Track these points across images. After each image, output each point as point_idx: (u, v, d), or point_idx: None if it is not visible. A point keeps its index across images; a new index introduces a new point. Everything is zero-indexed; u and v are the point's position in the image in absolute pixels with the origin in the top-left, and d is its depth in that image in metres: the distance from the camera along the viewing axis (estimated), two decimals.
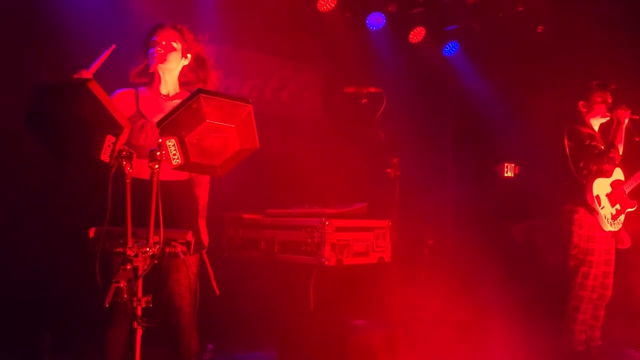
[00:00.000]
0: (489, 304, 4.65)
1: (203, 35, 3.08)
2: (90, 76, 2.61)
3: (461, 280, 5.00)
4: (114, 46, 2.73)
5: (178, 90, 3.00)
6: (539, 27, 5.87)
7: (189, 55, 2.98)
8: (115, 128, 2.00)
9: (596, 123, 4.34)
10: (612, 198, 4.19)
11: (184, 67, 3.00)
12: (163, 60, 2.87)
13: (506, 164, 6.35)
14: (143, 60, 2.95)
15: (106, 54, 2.68)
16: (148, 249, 2.09)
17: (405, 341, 4.08)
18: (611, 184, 4.24)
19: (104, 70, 2.90)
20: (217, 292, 2.96)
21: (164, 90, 2.96)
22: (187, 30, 2.98)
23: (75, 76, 2.55)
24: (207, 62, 3.06)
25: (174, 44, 2.91)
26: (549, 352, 4.24)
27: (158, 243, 2.11)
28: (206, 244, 3.11)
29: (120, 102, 2.85)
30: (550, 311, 4.48)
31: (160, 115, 2.11)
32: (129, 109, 2.86)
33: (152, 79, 2.96)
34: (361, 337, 4.06)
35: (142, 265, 2.07)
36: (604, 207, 4.14)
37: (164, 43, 2.88)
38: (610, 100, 4.28)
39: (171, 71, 2.95)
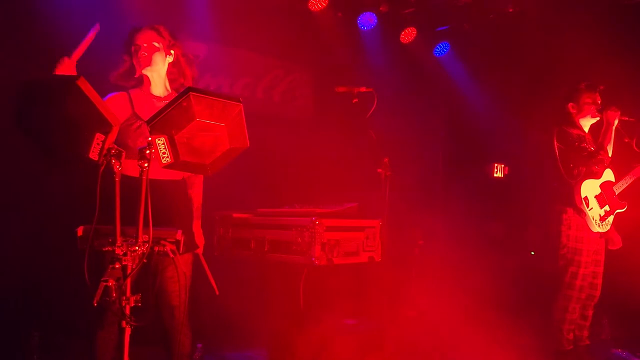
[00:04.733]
0: (479, 304, 4.66)
1: (190, 33, 3.09)
2: (74, 63, 2.59)
3: (451, 280, 5.02)
4: (97, 27, 2.70)
5: (169, 90, 3.01)
6: (535, 31, 5.85)
7: (172, 52, 2.99)
8: (104, 126, 1.98)
9: (586, 124, 4.36)
10: (601, 199, 4.22)
11: (169, 64, 3.00)
12: (149, 62, 2.88)
13: (496, 165, 6.37)
14: (125, 63, 2.94)
15: (90, 37, 2.66)
16: (137, 248, 2.08)
17: (395, 340, 4.09)
18: (601, 185, 4.26)
19: (96, 71, 2.89)
20: (217, 292, 2.96)
21: (155, 91, 2.97)
22: (164, 29, 2.98)
23: (57, 65, 2.54)
24: (185, 58, 3.06)
25: (156, 44, 2.91)
26: (537, 351, 4.26)
27: (147, 242, 2.09)
28: (202, 246, 3.10)
29: (114, 105, 2.84)
30: (539, 310, 4.51)
31: None
32: (125, 112, 2.86)
33: (141, 81, 2.96)
34: (351, 336, 4.07)
35: (131, 264, 2.06)
36: (592, 208, 4.16)
37: (145, 45, 2.88)
38: (599, 101, 4.30)
39: (159, 71, 2.96)
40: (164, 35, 2.96)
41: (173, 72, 3.03)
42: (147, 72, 2.92)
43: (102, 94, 2.81)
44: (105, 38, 3.99)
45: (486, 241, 5.98)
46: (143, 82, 2.96)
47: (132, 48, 2.90)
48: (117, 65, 2.97)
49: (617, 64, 4.93)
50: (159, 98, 2.95)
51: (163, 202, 2.68)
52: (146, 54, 2.87)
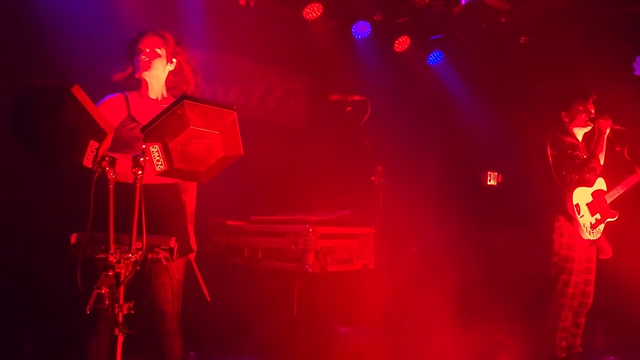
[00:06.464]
0: (472, 311, 4.67)
1: (185, 40, 3.09)
2: None
3: (444, 287, 5.02)
4: None
5: (166, 95, 3.02)
6: (522, 38, 5.95)
7: (174, 60, 3.00)
8: (98, 133, 1.98)
9: (579, 132, 4.39)
10: (592, 207, 4.24)
11: (170, 72, 3.01)
12: (148, 67, 2.89)
13: (489, 172, 6.40)
14: (128, 66, 2.96)
15: None
16: (130, 255, 2.07)
17: (389, 348, 4.09)
18: (592, 194, 4.29)
19: (91, 76, 2.89)
20: (209, 299, 2.95)
21: (152, 95, 2.98)
22: (170, 36, 2.99)
23: None
24: (190, 66, 3.07)
25: (158, 51, 2.92)
26: (530, 358, 4.26)
27: (141, 249, 2.09)
28: (194, 251, 3.10)
29: (111, 108, 2.86)
30: (532, 318, 4.52)
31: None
32: (121, 114, 2.87)
33: (139, 84, 2.97)
34: (345, 344, 4.06)
35: (124, 272, 2.06)
36: (583, 215, 4.19)
37: (148, 50, 2.90)
38: (592, 110, 4.33)
39: (157, 77, 2.96)
40: (168, 43, 2.97)
41: (173, 80, 3.04)
42: (145, 76, 2.93)
43: (99, 96, 2.82)
44: (101, 43, 4.03)
45: (480, 248, 5.99)
46: (141, 85, 2.97)
47: (135, 50, 2.91)
48: (119, 67, 2.98)
49: (609, 73, 4.97)
50: (155, 101, 2.96)
51: (156, 207, 2.69)
52: (147, 59, 2.89)
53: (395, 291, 4.56)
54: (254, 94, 5.92)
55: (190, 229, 3.13)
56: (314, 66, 6.08)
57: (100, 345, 2.69)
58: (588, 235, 4.19)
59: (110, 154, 2.08)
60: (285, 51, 5.78)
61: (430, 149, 6.98)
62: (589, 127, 4.34)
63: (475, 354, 4.18)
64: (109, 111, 2.83)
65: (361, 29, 5.94)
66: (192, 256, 3.06)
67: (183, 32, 4.70)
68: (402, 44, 6.20)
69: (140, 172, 2.09)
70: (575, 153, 4.25)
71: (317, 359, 3.87)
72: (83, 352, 2.71)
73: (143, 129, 2.05)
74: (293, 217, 4.44)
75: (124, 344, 2.11)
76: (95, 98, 2.79)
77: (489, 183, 6.41)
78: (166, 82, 3.02)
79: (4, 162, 3.71)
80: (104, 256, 2.06)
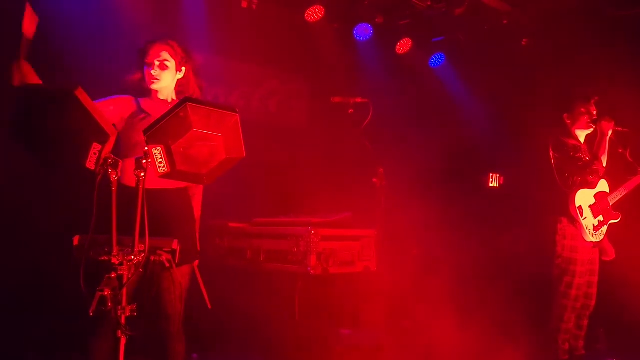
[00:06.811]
0: (473, 314, 4.66)
1: (187, 43, 3.10)
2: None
3: (445, 289, 5.02)
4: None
5: (175, 98, 3.05)
6: (523, 40, 5.96)
7: (183, 69, 3.02)
8: (101, 136, 1.99)
9: (582, 134, 4.39)
10: (595, 209, 4.24)
11: (178, 80, 3.02)
12: (158, 80, 2.92)
13: (491, 174, 6.39)
14: (137, 72, 2.97)
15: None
16: (133, 257, 2.08)
17: (391, 350, 4.09)
18: (595, 196, 4.28)
19: (93, 78, 2.90)
20: (209, 306, 2.94)
21: (162, 97, 2.99)
22: (178, 46, 3.00)
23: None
24: (198, 74, 3.09)
25: (167, 63, 2.93)
26: None
27: (143, 251, 2.10)
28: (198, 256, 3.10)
29: (120, 102, 2.88)
30: (534, 320, 4.51)
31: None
32: (129, 107, 2.89)
33: (149, 91, 2.99)
34: (347, 345, 4.06)
35: (126, 274, 2.06)
36: (586, 217, 4.18)
37: (157, 63, 2.91)
38: (594, 112, 4.33)
39: (167, 87, 2.98)
40: (177, 52, 2.98)
41: (182, 85, 3.06)
42: (154, 87, 2.95)
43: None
44: (104, 46, 4.03)
45: (481, 250, 5.98)
46: (151, 92, 2.99)
47: (145, 62, 2.93)
48: (129, 75, 2.99)
49: (610, 74, 4.96)
50: (165, 101, 2.99)
51: (163, 212, 2.69)
52: (156, 72, 2.91)
53: (397, 293, 4.57)
54: (255, 96, 5.93)
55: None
56: (316, 68, 6.09)
57: (103, 347, 2.69)
58: (591, 237, 4.18)
59: (113, 156, 2.08)
60: (286, 53, 5.78)
61: (431, 150, 6.98)
62: (591, 129, 4.33)
63: (476, 356, 4.17)
64: (118, 104, 2.86)
65: (363, 31, 5.94)
66: (195, 262, 3.06)
67: (185, 35, 4.72)
68: (403, 46, 6.20)
69: (142, 174, 2.10)
70: (577, 155, 4.25)
71: None
72: (85, 354, 2.71)
73: (145, 131, 2.05)
74: (295, 219, 4.44)
75: (126, 345, 2.11)
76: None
77: (490, 185, 6.40)
78: (175, 87, 3.05)
79: (6, 164, 3.72)
80: (106, 258, 2.06)
